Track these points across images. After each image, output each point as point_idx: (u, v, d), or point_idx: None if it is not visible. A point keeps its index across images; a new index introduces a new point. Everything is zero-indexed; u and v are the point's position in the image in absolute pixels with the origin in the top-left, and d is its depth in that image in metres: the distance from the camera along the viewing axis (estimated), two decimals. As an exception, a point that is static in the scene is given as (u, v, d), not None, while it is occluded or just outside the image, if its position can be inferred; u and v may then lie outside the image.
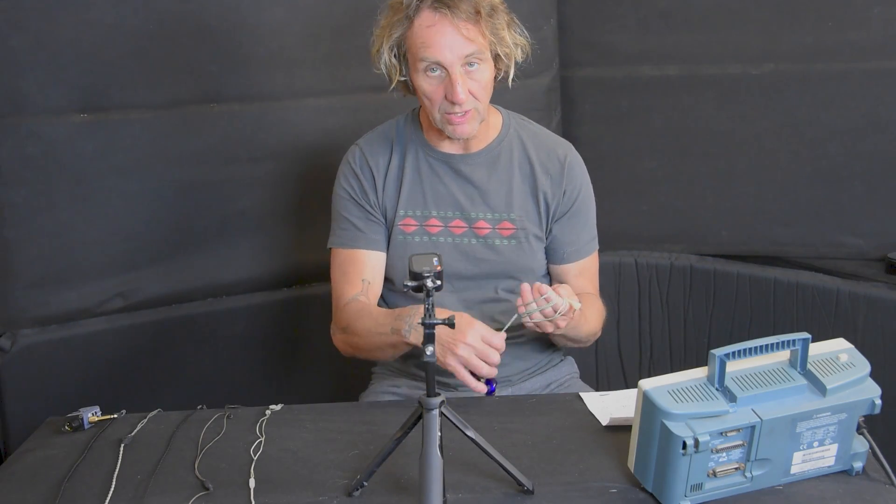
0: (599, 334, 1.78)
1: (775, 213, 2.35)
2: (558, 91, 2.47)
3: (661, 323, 2.51)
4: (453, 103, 1.58)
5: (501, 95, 2.36)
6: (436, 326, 1.16)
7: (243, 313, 2.31)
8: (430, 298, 1.16)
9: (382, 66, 1.64)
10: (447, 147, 1.73)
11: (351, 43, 2.21)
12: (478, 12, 1.56)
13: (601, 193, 1.90)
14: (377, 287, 1.75)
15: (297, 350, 2.37)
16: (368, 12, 2.20)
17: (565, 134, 2.50)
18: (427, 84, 1.60)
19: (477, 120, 1.65)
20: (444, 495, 1.15)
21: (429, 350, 1.15)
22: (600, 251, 1.87)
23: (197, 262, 2.22)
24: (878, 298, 2.18)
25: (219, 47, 2.11)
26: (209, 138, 2.16)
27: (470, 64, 1.58)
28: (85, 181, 2.06)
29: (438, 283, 1.16)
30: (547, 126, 2.41)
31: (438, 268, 1.17)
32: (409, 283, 1.17)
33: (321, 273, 1.95)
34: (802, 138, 2.27)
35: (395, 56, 1.62)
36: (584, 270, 1.80)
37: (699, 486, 1.17)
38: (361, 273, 1.73)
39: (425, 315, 1.15)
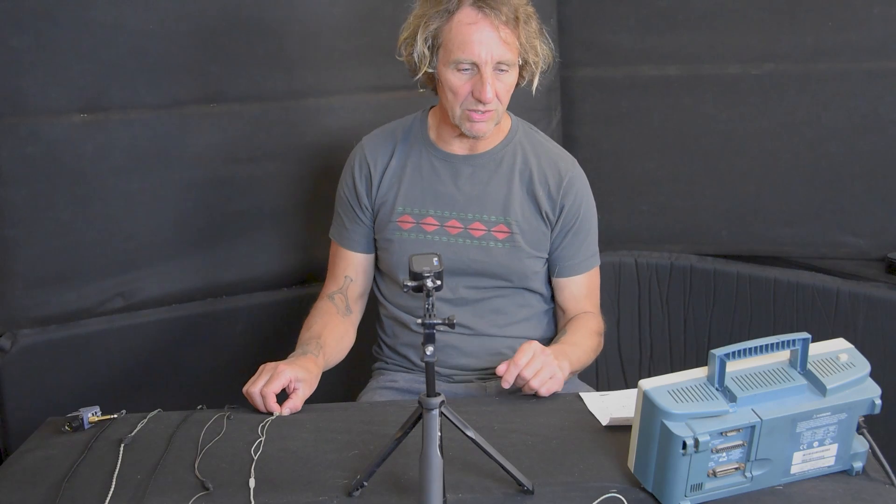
0: (601, 349, 1.82)
1: (775, 213, 2.34)
2: (558, 91, 2.47)
3: (661, 323, 2.50)
4: (479, 101, 1.60)
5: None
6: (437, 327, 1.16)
7: (243, 313, 2.31)
8: (431, 298, 1.16)
9: (414, 55, 1.64)
10: (454, 147, 1.74)
11: (351, 43, 2.21)
12: (517, 17, 1.59)
13: (601, 193, 1.90)
14: (359, 286, 1.84)
15: (297, 350, 2.36)
16: (368, 12, 2.22)
17: (565, 134, 2.51)
18: (455, 79, 1.61)
19: (494, 121, 1.67)
20: (444, 495, 1.15)
21: (429, 350, 1.15)
22: (600, 251, 1.87)
23: (197, 262, 2.22)
24: (878, 298, 2.18)
25: (219, 47, 2.11)
26: (209, 138, 2.15)
27: (501, 68, 1.61)
28: (85, 181, 2.06)
29: (438, 283, 1.16)
30: (547, 126, 2.44)
31: (439, 267, 1.17)
32: (409, 283, 1.17)
33: (321, 273, 1.96)
34: (802, 138, 2.27)
35: (428, 47, 1.63)
36: (582, 286, 1.82)
37: (699, 486, 1.17)
38: (345, 270, 1.84)
39: (425, 315, 1.15)
